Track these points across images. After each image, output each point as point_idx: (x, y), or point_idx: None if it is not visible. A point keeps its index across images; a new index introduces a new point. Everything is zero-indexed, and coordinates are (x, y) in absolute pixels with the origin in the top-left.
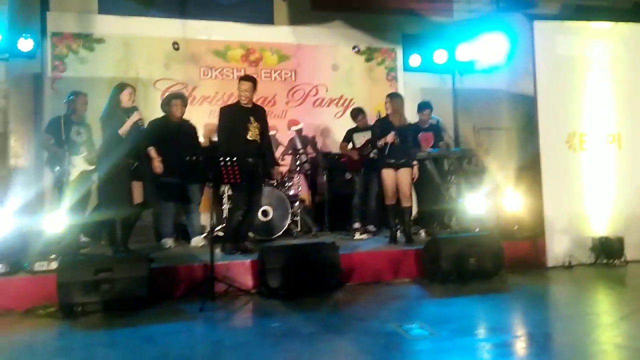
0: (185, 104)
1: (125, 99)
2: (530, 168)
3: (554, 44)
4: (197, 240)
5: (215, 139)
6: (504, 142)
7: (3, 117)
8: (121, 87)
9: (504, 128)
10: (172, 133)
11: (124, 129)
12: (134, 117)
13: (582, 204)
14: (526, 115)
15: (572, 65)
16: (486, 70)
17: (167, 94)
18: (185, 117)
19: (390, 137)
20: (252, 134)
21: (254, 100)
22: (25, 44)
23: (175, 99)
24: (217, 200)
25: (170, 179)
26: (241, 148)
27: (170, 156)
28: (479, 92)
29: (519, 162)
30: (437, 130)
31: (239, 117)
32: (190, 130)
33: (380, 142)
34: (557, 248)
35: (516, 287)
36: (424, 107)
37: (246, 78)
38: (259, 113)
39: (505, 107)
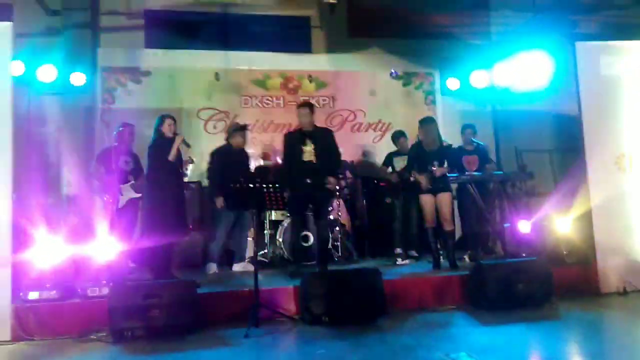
0: (245, 135)
1: (166, 129)
2: (578, 190)
3: (597, 64)
4: (241, 266)
5: (262, 163)
6: (548, 165)
7: (56, 147)
8: (162, 118)
9: (548, 150)
10: (234, 161)
11: (172, 155)
12: (177, 142)
13: (636, 227)
14: (571, 136)
15: (618, 86)
16: (527, 92)
17: (231, 125)
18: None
19: (440, 170)
20: (307, 155)
21: (316, 123)
22: (78, 79)
23: (237, 131)
24: (260, 225)
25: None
26: (297, 171)
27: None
28: (520, 113)
29: (565, 184)
30: (481, 153)
31: (294, 140)
32: (248, 158)
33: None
34: (611, 273)
35: (568, 314)
36: (465, 127)
37: (302, 104)
38: (318, 134)
39: (548, 129)
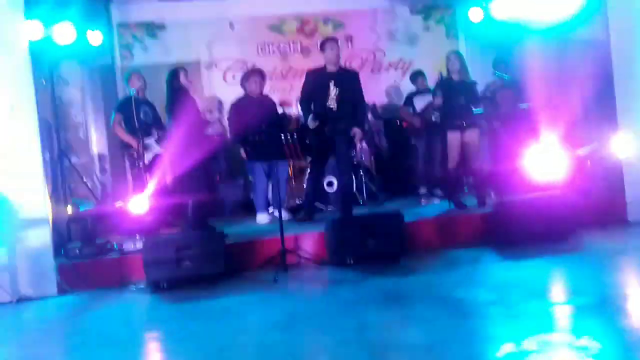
0: (264, 79)
1: (183, 80)
2: (607, 118)
3: None
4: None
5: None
6: (577, 92)
7: (81, 108)
8: (173, 72)
9: (577, 76)
10: (252, 110)
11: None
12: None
13: None
14: (600, 61)
15: None
16: (552, 25)
17: (246, 71)
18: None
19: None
20: (330, 101)
21: (341, 63)
22: (95, 37)
23: (253, 76)
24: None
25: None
26: (319, 115)
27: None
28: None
29: (593, 113)
30: (516, 87)
31: (317, 82)
32: (271, 105)
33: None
34: (638, 202)
35: (593, 245)
36: (498, 61)
37: (329, 39)
38: (344, 78)
39: (576, 54)
